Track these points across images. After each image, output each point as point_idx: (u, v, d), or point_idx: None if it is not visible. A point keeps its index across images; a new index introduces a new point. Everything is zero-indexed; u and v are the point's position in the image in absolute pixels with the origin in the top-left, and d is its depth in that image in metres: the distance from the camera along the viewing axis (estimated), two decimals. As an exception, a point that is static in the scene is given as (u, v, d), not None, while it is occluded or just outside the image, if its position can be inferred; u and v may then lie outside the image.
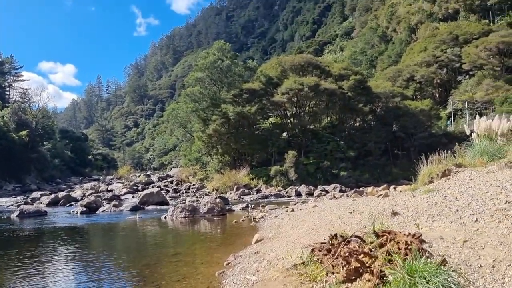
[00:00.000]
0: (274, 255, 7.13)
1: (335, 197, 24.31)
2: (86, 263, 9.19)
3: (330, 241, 5.52)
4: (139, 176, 65.86)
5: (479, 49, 56.36)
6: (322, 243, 5.83)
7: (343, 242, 5.01)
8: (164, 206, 24.73)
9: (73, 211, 23.74)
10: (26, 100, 79.07)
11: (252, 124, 42.13)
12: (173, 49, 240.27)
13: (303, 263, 5.39)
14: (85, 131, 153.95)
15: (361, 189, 29.29)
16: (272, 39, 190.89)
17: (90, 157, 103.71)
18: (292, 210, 18.05)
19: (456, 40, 64.95)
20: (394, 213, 7.83)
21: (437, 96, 62.44)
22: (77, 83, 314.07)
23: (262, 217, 16.77)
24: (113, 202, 25.70)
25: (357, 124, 47.25)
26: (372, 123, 47.10)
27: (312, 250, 5.62)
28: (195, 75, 44.04)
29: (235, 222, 15.78)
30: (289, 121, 44.32)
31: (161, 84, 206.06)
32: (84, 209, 23.28)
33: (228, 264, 7.83)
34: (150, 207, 25.27)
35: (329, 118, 47.01)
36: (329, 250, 5.21)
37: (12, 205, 30.34)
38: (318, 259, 5.26)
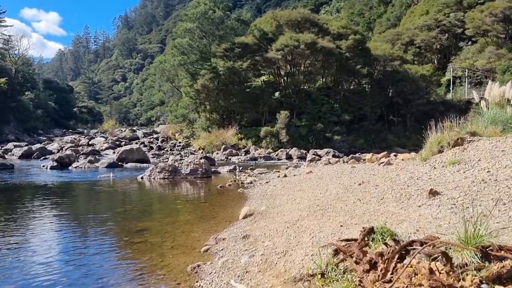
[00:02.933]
0: (270, 246, 5.17)
1: (330, 162, 22.50)
2: (12, 237, 7.18)
3: (365, 239, 3.54)
4: (124, 131, 63.67)
5: (484, 14, 53.83)
6: (347, 240, 3.87)
7: (397, 251, 3.01)
8: (145, 164, 22.74)
9: (43, 166, 21.65)
10: (11, 47, 74.87)
11: (243, 81, 39.64)
12: (165, 2, 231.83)
13: (322, 273, 3.42)
14: (71, 83, 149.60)
15: (357, 155, 27.54)
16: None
17: (75, 109, 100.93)
18: (285, 176, 16.17)
19: (460, 4, 62.14)
20: (433, 193, 5.89)
21: (436, 62, 60.12)
22: (62, 32, 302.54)
23: (251, 182, 14.86)
24: (89, 158, 23.55)
25: (353, 87, 45.01)
26: (368, 86, 44.95)
27: (336, 252, 3.67)
28: (184, 26, 40.94)
29: (221, 186, 13.82)
30: (282, 80, 41.91)
31: (151, 38, 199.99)
32: (55, 164, 21.19)
33: (206, 251, 5.87)
34: (129, 164, 23.24)
35: (324, 80, 44.62)
36: (364, 253, 3.24)
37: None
38: (346, 267, 3.31)
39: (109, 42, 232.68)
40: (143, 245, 6.38)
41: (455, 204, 5.17)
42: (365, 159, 22.74)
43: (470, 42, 57.12)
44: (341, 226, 5.27)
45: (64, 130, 72.82)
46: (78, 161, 22.92)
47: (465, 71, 50.61)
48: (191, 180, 16.28)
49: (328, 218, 5.98)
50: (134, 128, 74.12)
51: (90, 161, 22.74)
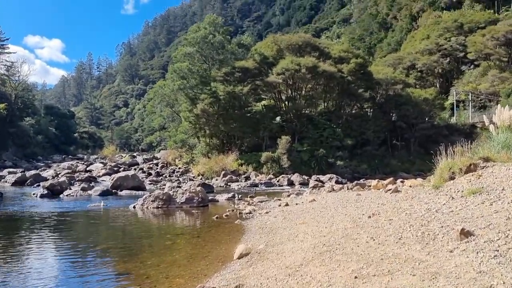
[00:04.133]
0: (267, 303, 4.18)
1: (333, 189, 21.44)
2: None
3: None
4: (124, 156, 62.96)
5: (486, 38, 53.63)
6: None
7: None
8: (140, 192, 21.70)
9: (34, 194, 20.65)
10: (13, 73, 74.80)
11: (244, 106, 38.85)
12: (167, 29, 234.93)
13: None
14: (74, 109, 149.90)
15: (361, 181, 26.48)
16: (268, 24, 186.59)
17: (75, 135, 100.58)
18: (287, 205, 15.16)
19: (461, 28, 62.18)
20: (466, 233, 4.92)
21: (438, 86, 59.64)
22: (64, 59, 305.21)
23: (250, 212, 13.83)
24: (82, 185, 22.57)
25: (355, 111, 44.24)
26: (371, 110, 44.19)
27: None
28: (184, 50, 40.47)
29: (217, 217, 12.79)
30: (283, 104, 41.14)
31: (153, 64, 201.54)
32: (46, 191, 20.21)
33: (191, 304, 4.87)
34: (124, 192, 22.25)
35: (326, 104, 43.87)
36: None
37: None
38: None
39: (112, 69, 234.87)
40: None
41: (497, 251, 4.20)
42: (370, 186, 21.67)
43: (472, 66, 56.74)
44: (355, 277, 4.30)
45: (64, 156, 72.21)
46: (70, 189, 21.95)
47: (469, 95, 50.02)
48: (186, 210, 15.25)
49: (338, 263, 5.00)
50: (135, 154, 73.42)
51: (83, 189, 21.77)
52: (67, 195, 20.45)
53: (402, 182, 21.82)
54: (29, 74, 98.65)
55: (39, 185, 26.09)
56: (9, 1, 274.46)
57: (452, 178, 12.83)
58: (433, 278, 3.79)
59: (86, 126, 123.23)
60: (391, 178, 20.90)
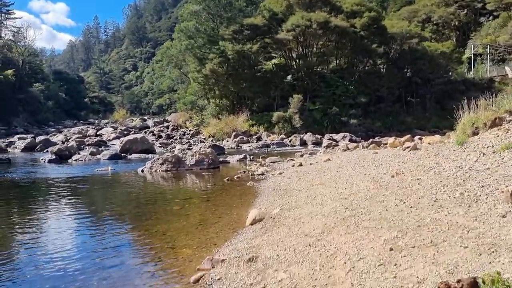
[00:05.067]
0: (287, 283, 3.55)
1: (348, 148, 20.75)
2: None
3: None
4: (135, 120, 62.60)
5: (507, -13, 50.96)
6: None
7: None
8: (150, 155, 21.17)
9: (42, 159, 20.28)
10: (19, 39, 73.69)
11: (254, 65, 37.69)
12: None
13: None
14: (83, 74, 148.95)
15: (376, 139, 25.66)
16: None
17: (86, 100, 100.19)
18: (300, 165, 14.52)
19: (479, -23, 59.09)
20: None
21: (455, 39, 57.27)
22: (71, 23, 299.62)
23: (262, 174, 13.23)
24: (91, 150, 22.15)
25: (368, 67, 42.73)
26: (384, 67, 42.66)
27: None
28: (190, 8, 38.94)
29: (228, 179, 12.21)
30: (294, 62, 39.86)
31: (161, 26, 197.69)
32: (54, 157, 19.81)
33: (198, 280, 4.29)
34: (133, 155, 21.78)
35: (338, 61, 42.42)
36: None
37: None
38: None
39: (119, 32, 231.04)
40: (116, 271, 4.82)
41: None
42: (386, 144, 20.95)
43: (491, 17, 54.09)
44: (391, 249, 3.64)
45: (75, 121, 72.00)
46: (79, 153, 21.55)
47: (487, 48, 47.91)
48: (196, 172, 14.71)
49: (366, 231, 4.35)
50: (145, 117, 73.02)
51: (91, 153, 21.34)
52: (75, 160, 20.04)
53: (420, 139, 21.04)
54: (35, 39, 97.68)
55: (48, 151, 25.85)
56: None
57: (475, 134, 12.06)
58: (493, 252, 3.12)
59: (96, 91, 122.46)
60: (408, 136, 20.08)
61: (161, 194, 10.69)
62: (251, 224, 6.36)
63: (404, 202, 5.24)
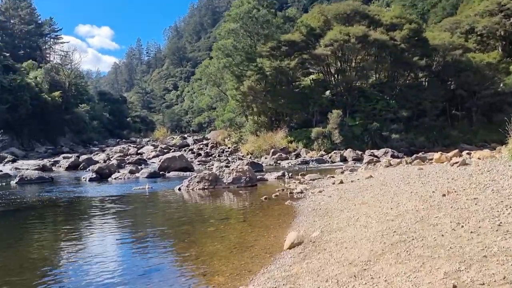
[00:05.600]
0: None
1: (391, 164, 19.87)
2: None
3: None
4: (175, 138, 63.45)
5: (557, -8, 48.63)
6: None
7: None
8: (188, 173, 21.10)
9: (83, 178, 20.59)
10: (65, 63, 76.93)
11: (291, 81, 37.38)
12: (212, 9, 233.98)
13: None
14: (126, 94, 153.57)
15: (420, 154, 24.60)
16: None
17: (128, 119, 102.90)
18: (341, 182, 13.92)
19: (526, -16, 56.68)
20: None
21: (501, 50, 54.87)
22: (115, 46, 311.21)
23: (301, 192, 12.72)
24: (130, 168, 22.38)
25: (409, 81, 41.42)
26: (426, 79, 41.24)
27: None
28: (227, 26, 39.26)
29: (265, 198, 11.77)
30: (332, 77, 39.27)
31: (200, 46, 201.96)
32: (94, 175, 20.06)
33: (229, 315, 3.87)
34: (172, 173, 21.78)
35: (377, 75, 41.46)
36: None
37: (28, 169, 27.74)
38: None
39: (160, 53, 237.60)
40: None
41: None
42: (431, 159, 19.97)
43: (540, 25, 51.59)
44: (454, 287, 3.10)
45: (118, 140, 73.84)
46: (119, 171, 21.76)
47: (537, 58, 45.60)
48: (233, 190, 14.37)
49: (421, 261, 3.81)
50: (185, 135, 73.99)
51: (131, 171, 21.51)
52: (115, 178, 20.21)
53: (468, 154, 19.90)
54: (80, 61, 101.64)
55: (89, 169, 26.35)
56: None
57: (531, 148, 11.18)
58: None
59: (138, 110, 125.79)
60: (456, 150, 19.08)
61: (197, 214, 10.37)
62: (289, 248, 5.90)
63: (462, 226, 4.64)
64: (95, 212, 11.21)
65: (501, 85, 41.50)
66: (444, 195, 7.08)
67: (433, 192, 7.96)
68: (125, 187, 16.72)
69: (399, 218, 5.77)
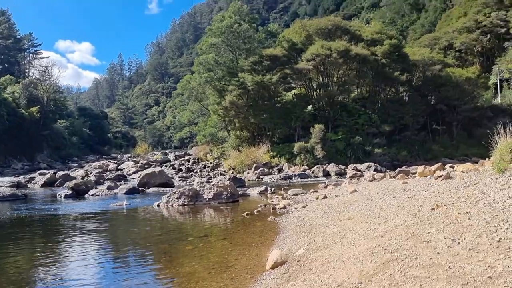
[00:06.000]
0: None
1: (374, 178, 19.65)
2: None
3: None
4: (157, 154, 62.63)
5: (531, 11, 50.08)
6: None
7: None
8: (168, 189, 20.50)
9: (59, 194, 19.81)
10: (44, 79, 75.73)
11: (274, 96, 37.18)
12: (194, 26, 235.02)
13: None
14: (107, 110, 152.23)
15: (403, 168, 24.51)
16: (295, 14, 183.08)
17: (109, 135, 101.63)
18: (325, 197, 13.59)
19: (501, 3, 58.31)
20: None
21: (479, 65, 56.07)
22: (96, 61, 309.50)
23: (284, 207, 12.33)
24: (108, 184, 21.67)
25: (390, 95, 41.68)
26: (407, 94, 41.60)
27: None
28: (209, 41, 39.06)
29: (247, 214, 11.33)
30: (314, 92, 39.21)
31: (182, 62, 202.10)
32: (70, 192, 19.34)
33: None
34: (151, 189, 21.19)
35: (359, 90, 41.66)
36: None
37: (1, 186, 26.71)
38: None
39: (142, 68, 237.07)
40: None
41: None
42: (415, 173, 19.83)
43: (516, 42, 52.98)
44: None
45: (98, 156, 72.56)
46: (96, 188, 21.05)
47: (514, 73, 46.58)
48: (214, 206, 13.89)
49: (418, 284, 3.44)
50: (167, 151, 73.22)
51: (109, 188, 20.82)
52: (92, 195, 19.52)
53: (451, 167, 19.83)
54: (59, 76, 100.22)
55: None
56: (38, 7, 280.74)
57: (516, 160, 11.03)
58: None
59: (119, 126, 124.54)
60: (439, 164, 18.98)
61: (175, 232, 9.81)
62: (272, 267, 5.48)
63: (458, 243, 4.29)
64: (65, 231, 10.60)
65: (480, 100, 42.16)
66: (433, 209, 6.78)
67: (420, 206, 7.67)
68: (101, 204, 16.06)
69: (389, 234, 5.41)
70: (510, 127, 11.63)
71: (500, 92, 47.34)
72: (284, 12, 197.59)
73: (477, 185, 9.08)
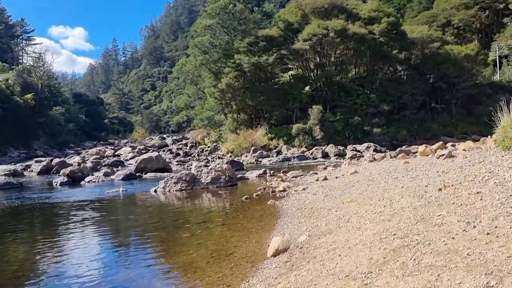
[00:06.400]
0: None
1: (375, 159, 19.41)
2: None
3: None
4: (154, 139, 62.31)
5: (530, -15, 49.23)
6: None
7: None
8: (165, 174, 20.20)
9: (54, 182, 19.50)
10: (37, 65, 74.79)
11: (270, 77, 36.61)
12: (188, 9, 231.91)
13: None
14: (103, 96, 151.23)
15: (404, 147, 24.23)
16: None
17: (106, 121, 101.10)
18: (325, 179, 13.31)
19: (500, -22, 57.27)
20: None
21: (477, 42, 55.38)
22: (89, 47, 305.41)
23: (284, 190, 12.05)
24: (104, 170, 21.36)
25: (389, 75, 41.14)
26: (405, 73, 41.07)
27: None
28: (203, 22, 38.28)
29: (246, 198, 11.04)
30: (312, 73, 38.65)
31: (177, 46, 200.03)
32: (66, 179, 19.02)
33: None
34: (148, 174, 20.87)
35: (357, 69, 41.09)
36: None
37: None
38: None
39: (137, 53, 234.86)
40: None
41: None
42: (416, 152, 19.59)
43: (515, 18, 52.15)
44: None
45: (95, 142, 72.12)
46: (93, 174, 20.73)
47: (514, 49, 46.00)
48: (212, 191, 13.61)
49: (434, 272, 3.14)
50: (164, 136, 72.81)
51: (105, 174, 20.50)
52: (88, 182, 19.21)
53: (453, 145, 19.58)
54: (53, 62, 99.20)
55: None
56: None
57: (520, 137, 10.75)
58: None
59: (115, 112, 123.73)
60: (440, 143, 18.68)
61: (172, 218, 9.51)
62: (274, 255, 5.20)
63: (474, 226, 4.00)
64: (58, 220, 10.30)
65: (479, 77, 41.68)
66: (440, 189, 6.48)
67: (426, 186, 7.38)
68: (98, 191, 15.76)
69: (396, 218, 5.12)
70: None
71: (500, 69, 46.82)
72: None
73: (483, 164, 8.79)
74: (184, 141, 48.64)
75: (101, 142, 72.96)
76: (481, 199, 4.89)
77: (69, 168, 20.64)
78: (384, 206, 6.27)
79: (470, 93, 39.06)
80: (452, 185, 6.50)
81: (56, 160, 31.18)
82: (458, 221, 4.26)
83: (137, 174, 20.71)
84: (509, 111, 11.46)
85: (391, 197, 6.97)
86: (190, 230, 7.83)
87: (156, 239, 7.47)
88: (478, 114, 37.31)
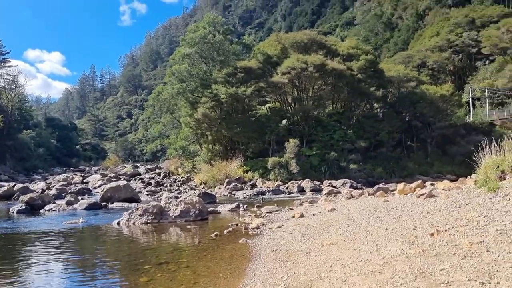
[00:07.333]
0: None
1: (352, 195, 18.78)
2: None
3: None
4: (127, 167, 60.68)
5: (501, 32, 51.29)
6: None
7: None
8: (133, 204, 19.06)
9: (12, 209, 18.08)
10: (10, 88, 72.82)
11: (248, 109, 36.07)
12: (169, 39, 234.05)
13: None
14: (77, 122, 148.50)
15: (381, 185, 23.72)
16: (270, 30, 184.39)
17: (78, 147, 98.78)
18: (302, 216, 12.52)
19: (472, 23, 59.67)
20: None
21: (451, 83, 56.84)
22: (66, 72, 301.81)
23: (258, 227, 11.18)
24: (68, 198, 20.04)
25: (365, 111, 41.31)
26: (381, 110, 41.37)
27: None
28: (182, 51, 37.79)
29: (216, 235, 10.11)
30: (289, 106, 38.40)
31: (156, 75, 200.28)
32: (24, 207, 17.71)
33: None
34: (115, 204, 19.68)
35: (334, 105, 41.15)
36: None
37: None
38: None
39: (115, 80, 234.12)
40: None
41: None
42: (394, 190, 19.10)
43: (487, 61, 53.93)
44: None
45: (65, 168, 69.94)
46: (54, 202, 19.39)
47: (485, 92, 47.16)
48: (181, 225, 12.60)
49: None
50: (138, 164, 71.23)
51: (68, 202, 19.22)
52: (48, 210, 17.90)
53: (432, 185, 19.15)
54: (26, 85, 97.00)
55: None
56: (7, 16, 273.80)
57: (502, 178, 10.33)
58: None
59: (89, 138, 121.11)
60: (419, 181, 18.24)
61: (130, 257, 8.43)
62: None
63: (485, 286, 3.27)
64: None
65: (454, 117, 42.28)
66: (432, 234, 5.78)
67: (413, 229, 6.69)
68: (55, 221, 14.50)
69: (388, 269, 4.35)
70: (497, 143, 10.96)
71: (473, 110, 47.81)
72: (259, 28, 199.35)
73: (471, 206, 8.22)
74: (157, 171, 47.41)
75: (71, 168, 70.85)
76: (488, 251, 4.19)
77: (29, 195, 19.25)
78: (370, 252, 5.50)
79: (445, 133, 39.51)
80: (445, 230, 5.81)
81: (19, 185, 29.47)
82: (468, 279, 3.52)
83: (102, 204, 19.49)
84: (491, 152, 11.08)
85: (376, 241, 6.23)
86: (149, 273, 6.81)
87: (107, 284, 6.42)
88: (452, 154, 37.65)
